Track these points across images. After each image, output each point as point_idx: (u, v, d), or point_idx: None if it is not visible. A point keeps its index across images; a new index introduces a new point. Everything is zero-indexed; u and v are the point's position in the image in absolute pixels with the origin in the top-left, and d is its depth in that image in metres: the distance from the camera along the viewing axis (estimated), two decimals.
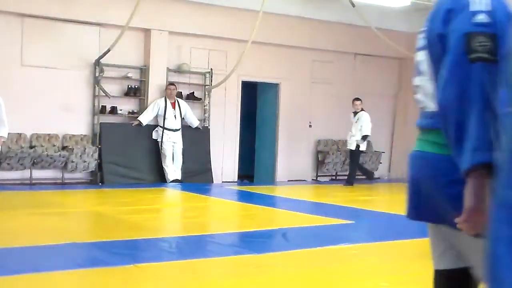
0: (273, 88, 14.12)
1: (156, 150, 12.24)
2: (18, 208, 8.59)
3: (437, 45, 2.29)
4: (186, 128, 12.48)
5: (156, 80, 12.35)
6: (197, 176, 12.57)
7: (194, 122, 12.49)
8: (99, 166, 11.71)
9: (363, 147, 13.09)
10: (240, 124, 13.65)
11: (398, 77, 15.85)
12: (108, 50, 11.19)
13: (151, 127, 12.21)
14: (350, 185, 12.97)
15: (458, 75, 2.13)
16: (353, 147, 13.02)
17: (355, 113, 13.16)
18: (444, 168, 2.31)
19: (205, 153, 12.84)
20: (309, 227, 7.80)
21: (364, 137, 12.99)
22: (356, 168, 13.30)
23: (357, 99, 13.18)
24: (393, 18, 14.54)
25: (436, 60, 2.31)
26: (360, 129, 12.94)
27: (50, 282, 4.74)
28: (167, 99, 12.17)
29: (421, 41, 2.46)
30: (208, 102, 13.01)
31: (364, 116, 13.01)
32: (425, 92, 2.45)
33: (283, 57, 13.99)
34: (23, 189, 10.50)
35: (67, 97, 11.67)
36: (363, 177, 15.18)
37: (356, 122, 13.01)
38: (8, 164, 10.73)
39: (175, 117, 12.20)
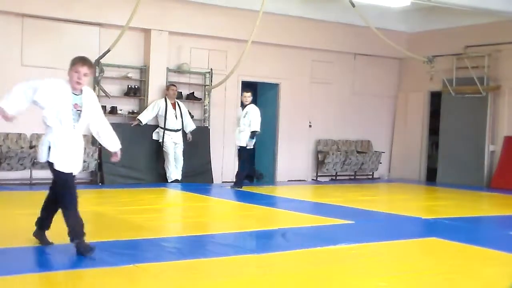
0: (273, 88, 14.13)
1: (156, 150, 12.24)
2: (18, 208, 8.58)
3: None
4: None
5: (156, 80, 12.35)
6: (197, 176, 12.57)
7: (190, 126, 12.41)
8: (99, 166, 11.72)
9: (250, 144, 11.66)
10: None
11: (398, 77, 15.86)
12: (108, 50, 11.19)
13: (151, 127, 12.20)
14: (239, 187, 11.70)
15: None
16: (243, 144, 11.64)
17: (244, 106, 11.79)
18: None
19: (205, 153, 12.84)
20: (309, 227, 7.80)
21: (253, 134, 11.59)
22: (245, 167, 11.93)
23: (247, 90, 11.95)
24: (393, 18, 14.56)
25: None
26: (249, 125, 11.59)
27: (50, 282, 4.73)
28: (167, 100, 12.17)
29: None
30: (208, 102, 13.01)
31: (253, 110, 11.67)
32: None
33: (283, 57, 14.00)
34: (23, 189, 10.49)
35: None
36: (362, 177, 15.18)
37: (244, 116, 11.65)
38: (8, 164, 10.73)
39: (176, 118, 12.19)
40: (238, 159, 12.03)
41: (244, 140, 11.61)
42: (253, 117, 11.59)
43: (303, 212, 9.03)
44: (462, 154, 14.25)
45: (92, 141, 11.83)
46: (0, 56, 11.03)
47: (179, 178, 12.17)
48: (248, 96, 11.75)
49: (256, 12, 10.77)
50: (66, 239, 6.22)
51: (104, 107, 11.93)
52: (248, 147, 11.71)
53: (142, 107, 12.30)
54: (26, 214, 8.03)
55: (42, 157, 5.79)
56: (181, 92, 12.73)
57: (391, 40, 12.77)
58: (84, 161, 11.37)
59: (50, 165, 5.74)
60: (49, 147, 5.77)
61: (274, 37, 13.48)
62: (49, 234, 6.67)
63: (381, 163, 15.23)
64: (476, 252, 6.52)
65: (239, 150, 11.89)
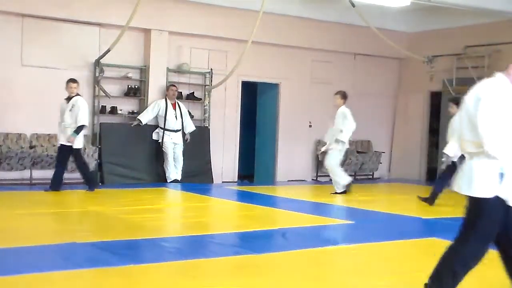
0: (273, 88, 14.12)
1: (156, 150, 12.24)
2: (18, 208, 8.59)
3: None
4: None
5: (156, 80, 12.35)
6: (197, 176, 12.56)
7: (189, 127, 12.39)
8: (99, 166, 11.71)
9: (78, 143, 10.11)
10: (240, 124, 13.65)
11: (398, 77, 15.86)
12: (108, 50, 11.19)
13: (151, 127, 12.20)
14: (92, 190, 10.23)
15: None
16: (65, 141, 10.04)
17: (69, 98, 10.17)
18: None
19: (205, 153, 12.83)
20: (309, 227, 7.80)
21: (80, 129, 10.04)
22: (87, 167, 10.50)
23: (74, 81, 10.21)
24: (393, 18, 14.55)
25: None
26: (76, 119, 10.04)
27: (50, 282, 4.73)
28: (168, 100, 12.16)
29: None
30: (208, 102, 13.01)
31: (80, 103, 10.08)
32: None
33: (283, 57, 13.99)
34: (23, 189, 10.48)
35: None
36: (362, 177, 15.16)
37: (70, 110, 10.07)
38: (8, 164, 10.72)
39: (176, 118, 12.19)
40: (75, 160, 10.29)
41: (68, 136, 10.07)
42: (80, 110, 10.06)
43: (303, 212, 9.03)
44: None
45: (92, 141, 11.83)
46: (0, 56, 11.02)
47: (179, 178, 12.17)
48: (74, 87, 10.17)
49: (256, 12, 10.77)
50: (67, 239, 6.22)
51: (104, 107, 11.95)
52: (75, 147, 10.10)
53: (142, 107, 12.29)
54: (26, 214, 8.04)
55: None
56: (181, 92, 12.72)
57: (391, 40, 12.78)
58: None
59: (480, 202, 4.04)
60: (502, 174, 4.01)
61: (274, 37, 13.48)
62: (50, 234, 6.67)
63: (381, 163, 15.22)
64: None
65: (59, 149, 10.19)
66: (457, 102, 10.20)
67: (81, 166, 10.29)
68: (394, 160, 15.80)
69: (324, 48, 14.45)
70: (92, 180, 10.43)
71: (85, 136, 11.75)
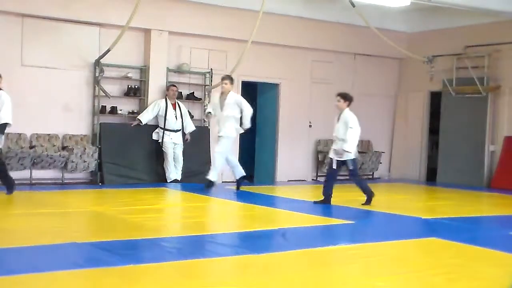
0: (273, 88, 14.12)
1: (156, 150, 12.24)
2: (18, 208, 8.58)
3: None
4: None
5: (156, 80, 12.35)
6: (197, 176, 12.55)
7: (189, 127, 12.40)
8: (99, 166, 11.71)
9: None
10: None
11: (398, 77, 15.86)
12: (108, 50, 11.20)
13: (151, 127, 12.20)
14: (10, 193, 9.35)
15: None
16: None
17: None
18: None
19: (205, 153, 12.83)
20: (309, 227, 7.80)
21: (3, 127, 9.21)
22: (6, 169, 9.63)
23: None
24: (393, 18, 14.56)
25: None
26: None
27: (50, 282, 4.73)
28: (168, 100, 12.16)
29: None
30: (208, 102, 13.01)
31: (5, 98, 9.21)
32: None
33: (283, 57, 14.00)
34: (23, 189, 10.48)
35: (67, 97, 11.67)
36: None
37: None
38: (8, 164, 10.70)
39: (176, 118, 12.19)
40: None
41: None
42: (4, 106, 9.19)
43: (303, 212, 9.02)
44: (462, 154, 14.25)
45: (92, 141, 11.83)
46: (0, 56, 11.02)
47: (179, 178, 12.17)
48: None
49: (256, 12, 10.78)
50: (67, 239, 6.22)
51: (104, 107, 11.95)
52: None
53: (142, 107, 12.30)
54: (26, 214, 8.03)
55: None
56: (181, 92, 12.72)
57: (391, 40, 12.78)
58: (84, 161, 11.41)
59: None
60: None
61: (274, 37, 13.48)
62: (50, 234, 6.66)
63: (381, 163, 15.23)
64: (476, 252, 6.51)
65: None
66: (344, 96, 10.10)
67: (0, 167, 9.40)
68: (394, 160, 15.80)
69: (324, 48, 14.46)
70: (11, 183, 9.43)
71: (84, 136, 11.82)
